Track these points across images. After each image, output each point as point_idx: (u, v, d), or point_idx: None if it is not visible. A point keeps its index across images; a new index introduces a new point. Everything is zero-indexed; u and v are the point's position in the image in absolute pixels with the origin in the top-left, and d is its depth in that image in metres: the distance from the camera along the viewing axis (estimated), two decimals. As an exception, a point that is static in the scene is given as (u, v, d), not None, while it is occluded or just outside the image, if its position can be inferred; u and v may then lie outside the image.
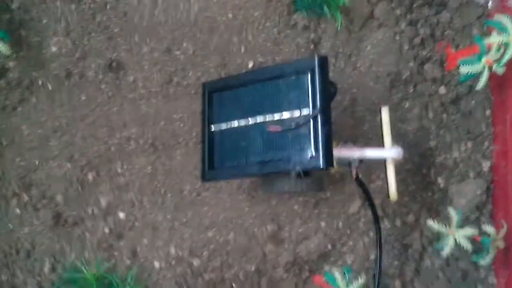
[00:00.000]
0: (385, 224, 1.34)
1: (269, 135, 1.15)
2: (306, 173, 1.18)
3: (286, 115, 1.14)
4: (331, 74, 1.29)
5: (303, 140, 1.12)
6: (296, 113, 1.13)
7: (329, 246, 1.33)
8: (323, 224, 1.35)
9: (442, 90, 1.42)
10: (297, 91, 1.14)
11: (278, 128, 1.13)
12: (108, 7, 1.42)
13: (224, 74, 1.40)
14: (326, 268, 1.33)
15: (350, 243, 1.34)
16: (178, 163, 1.37)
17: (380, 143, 1.26)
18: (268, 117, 1.16)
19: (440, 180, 1.38)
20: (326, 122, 1.10)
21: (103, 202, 1.36)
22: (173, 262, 1.34)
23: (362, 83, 1.41)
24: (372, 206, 1.25)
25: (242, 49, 1.41)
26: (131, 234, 1.35)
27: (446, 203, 1.35)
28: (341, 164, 1.21)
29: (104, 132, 1.38)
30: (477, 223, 1.33)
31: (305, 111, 1.12)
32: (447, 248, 1.21)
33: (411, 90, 1.42)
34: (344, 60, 1.42)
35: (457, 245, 1.19)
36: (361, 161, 1.22)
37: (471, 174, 1.38)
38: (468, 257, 1.29)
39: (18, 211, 1.35)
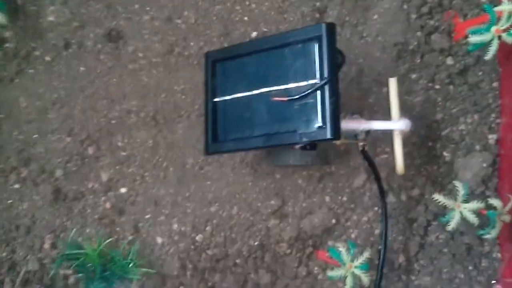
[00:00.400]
0: (390, 198, 1.33)
1: (274, 106, 1.11)
2: (311, 145, 1.16)
3: (292, 85, 1.10)
4: (337, 44, 1.26)
5: (309, 111, 1.08)
6: (303, 83, 1.09)
7: (333, 221, 1.32)
8: (327, 198, 1.33)
9: (450, 61, 1.38)
10: (304, 60, 1.10)
11: (283, 98, 1.09)
12: None
13: (227, 44, 1.37)
14: (330, 243, 1.32)
15: (355, 217, 1.33)
16: (180, 136, 1.35)
17: (386, 116, 1.23)
18: (274, 87, 1.12)
19: (446, 154, 1.36)
20: (334, 93, 1.06)
21: (104, 176, 1.34)
22: (176, 238, 1.33)
23: (369, 53, 1.38)
24: (378, 180, 1.23)
25: (245, 18, 1.37)
26: (132, 209, 1.34)
27: (452, 177, 1.33)
28: (347, 136, 1.18)
29: (104, 105, 1.35)
30: (482, 196, 1.32)
31: (312, 81, 1.08)
32: (453, 222, 1.19)
33: (418, 61, 1.38)
34: (350, 29, 1.38)
35: (462, 219, 1.17)
36: (368, 133, 1.20)
37: (477, 147, 1.36)
38: (473, 231, 1.29)
39: (17, 186, 1.33)
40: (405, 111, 1.34)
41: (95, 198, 1.34)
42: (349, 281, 1.15)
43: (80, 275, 1.29)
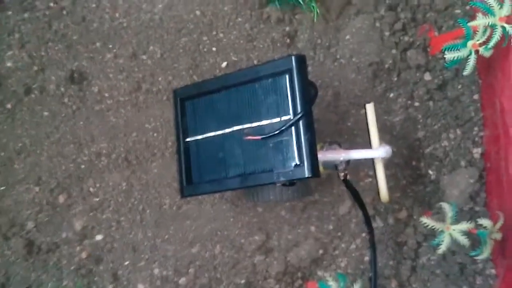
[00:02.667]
0: (377, 223, 1.32)
1: (248, 144, 1.08)
2: (291, 182, 1.11)
3: (265, 122, 1.06)
4: (310, 69, 1.25)
5: (285, 148, 1.05)
6: (276, 120, 1.06)
7: (321, 251, 1.31)
8: (312, 228, 1.31)
9: (427, 76, 1.38)
10: (275, 95, 1.07)
11: (256, 137, 1.04)
12: (64, 12, 1.35)
13: (196, 76, 1.35)
14: (319, 274, 1.32)
15: (343, 245, 1.31)
16: (155, 176, 1.32)
17: (366, 139, 1.21)
18: (246, 125, 1.07)
19: (431, 172, 1.35)
20: (309, 128, 1.03)
21: (78, 225, 1.31)
22: (158, 283, 1.31)
23: (344, 75, 1.37)
24: (362, 207, 1.20)
25: (214, 48, 1.35)
26: (110, 257, 1.32)
27: (439, 196, 1.33)
28: (327, 167, 1.15)
29: (71, 150, 1.32)
30: (471, 213, 1.30)
31: (285, 117, 1.03)
32: (443, 245, 1.16)
33: (395, 79, 1.38)
34: (323, 52, 1.37)
35: (453, 240, 1.14)
36: (348, 162, 1.16)
37: (462, 163, 1.35)
38: (465, 250, 1.26)
39: (-13, 241, 1.27)
40: (385, 131, 1.33)
41: (70, 248, 1.32)
42: (341, 315, 1.11)
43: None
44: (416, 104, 1.38)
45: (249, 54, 1.38)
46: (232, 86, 1.15)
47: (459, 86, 1.39)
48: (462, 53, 1.22)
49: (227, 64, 1.37)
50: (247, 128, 1.12)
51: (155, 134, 1.34)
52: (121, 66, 1.36)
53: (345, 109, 1.37)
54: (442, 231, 1.22)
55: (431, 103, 1.39)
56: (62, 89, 1.35)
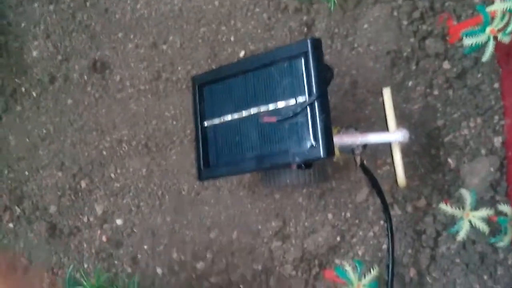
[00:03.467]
0: (396, 211, 1.27)
1: (264, 127, 1.08)
2: (307, 164, 1.11)
3: (281, 104, 1.06)
4: (327, 57, 1.23)
5: (300, 129, 1.04)
6: (292, 102, 1.05)
7: (338, 238, 1.27)
8: (330, 215, 1.28)
9: (446, 65, 1.34)
10: (291, 78, 1.06)
11: (272, 118, 1.05)
12: (88, 4, 1.36)
13: (214, 65, 1.34)
14: (337, 261, 1.27)
15: (360, 233, 1.27)
16: (174, 162, 1.32)
17: (384, 127, 1.18)
18: (262, 108, 1.09)
19: (450, 160, 1.30)
20: (324, 109, 1.02)
21: (99, 209, 1.30)
22: (176, 267, 1.29)
23: (361, 64, 1.34)
24: (380, 193, 1.17)
25: (232, 38, 1.34)
26: (130, 241, 1.30)
27: (458, 184, 1.28)
28: (344, 151, 1.14)
29: (94, 136, 1.32)
30: (492, 202, 1.26)
31: (301, 99, 1.04)
32: (462, 232, 1.13)
33: (414, 68, 1.34)
34: (341, 41, 1.35)
35: (472, 227, 1.12)
36: (365, 146, 1.15)
37: (483, 151, 1.30)
38: (485, 239, 1.22)
39: (11, 225, 1.30)
40: (404, 119, 1.30)
41: (91, 232, 1.32)
42: (358, 301, 1.10)
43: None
44: (435, 92, 1.34)
45: (267, 43, 1.35)
46: (249, 71, 1.13)
47: (479, 75, 1.36)
48: (481, 39, 1.19)
49: (245, 53, 1.35)
50: (263, 111, 1.10)
51: (174, 122, 1.33)
52: (142, 56, 1.36)
53: (363, 97, 1.33)
54: (461, 218, 1.16)
55: (450, 91, 1.35)
56: (85, 77, 1.35)
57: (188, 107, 1.31)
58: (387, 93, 1.20)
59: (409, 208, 1.29)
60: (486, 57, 1.17)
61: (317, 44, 1.07)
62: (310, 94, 1.04)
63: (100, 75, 1.34)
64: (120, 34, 1.35)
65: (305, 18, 1.35)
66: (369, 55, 1.38)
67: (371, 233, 1.28)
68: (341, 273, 1.13)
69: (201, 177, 1.17)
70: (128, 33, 1.35)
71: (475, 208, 1.15)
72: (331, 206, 1.30)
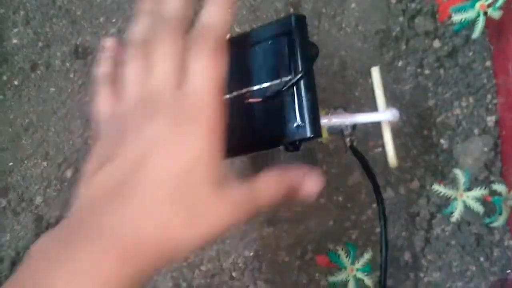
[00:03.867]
0: (389, 193, 1.24)
1: (249, 108, 1.03)
2: (295, 146, 1.08)
3: (266, 84, 1.01)
4: (315, 38, 1.19)
5: (286, 109, 0.98)
6: (277, 81, 1.00)
7: (331, 223, 1.24)
8: (322, 200, 1.25)
9: (437, 43, 1.30)
10: (275, 56, 1.01)
11: (257, 99, 1.01)
12: None
13: None
14: (330, 246, 1.24)
15: (353, 217, 1.24)
16: (161, 149, 1.28)
17: (375, 108, 1.15)
18: (247, 89, 1.04)
19: (443, 141, 1.27)
20: (310, 88, 0.97)
21: None
22: None
23: (350, 44, 1.30)
24: (371, 175, 1.13)
25: (218, 21, 1.30)
26: None
27: (452, 165, 1.25)
28: (333, 132, 1.10)
29: (78, 125, 1.28)
30: (486, 182, 1.23)
31: (286, 78, 0.99)
32: (456, 213, 1.11)
33: (403, 47, 1.30)
34: (328, 21, 1.31)
35: (467, 208, 1.09)
36: (354, 127, 1.11)
37: (476, 131, 1.27)
38: (480, 220, 1.20)
39: (-4, 217, 1.27)
40: (395, 100, 1.27)
41: None
42: (351, 285, 1.06)
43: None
44: (426, 72, 1.28)
45: (252, 25, 1.30)
46: (232, 51, 1.13)
47: (470, 53, 1.32)
48: (470, 14, 1.16)
49: (230, 35, 1.34)
50: (248, 91, 1.03)
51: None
52: (125, 40, 1.35)
53: (352, 78, 1.28)
54: (455, 199, 1.10)
55: (441, 70, 1.29)
56: (67, 64, 1.30)
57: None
58: (376, 72, 1.17)
59: (402, 190, 1.25)
60: (476, 34, 1.13)
61: (300, 21, 1.02)
62: (295, 72, 1.00)
63: (82, 61, 1.29)
64: (101, 19, 1.30)
65: (291, -2, 1.32)
66: (358, 35, 1.33)
67: (364, 217, 1.24)
68: (333, 258, 1.09)
69: None
70: (110, 17, 1.30)
71: (469, 188, 1.12)
72: (323, 190, 1.27)
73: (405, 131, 1.26)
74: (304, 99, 1.00)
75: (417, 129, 1.27)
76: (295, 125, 1.01)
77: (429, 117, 1.28)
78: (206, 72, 0.67)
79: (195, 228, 0.60)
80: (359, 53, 1.30)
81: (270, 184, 0.75)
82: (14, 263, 1.26)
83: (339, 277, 1.06)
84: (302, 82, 1.00)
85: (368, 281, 1.05)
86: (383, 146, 1.17)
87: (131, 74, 0.66)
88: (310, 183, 0.82)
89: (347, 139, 1.13)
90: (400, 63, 1.30)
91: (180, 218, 0.58)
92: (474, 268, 1.21)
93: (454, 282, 1.21)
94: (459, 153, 1.27)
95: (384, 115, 1.13)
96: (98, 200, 0.58)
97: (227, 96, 1.06)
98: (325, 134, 1.02)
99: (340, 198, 1.25)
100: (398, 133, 1.22)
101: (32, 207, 1.27)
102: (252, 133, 1.05)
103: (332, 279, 1.07)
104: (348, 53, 1.30)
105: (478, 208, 1.10)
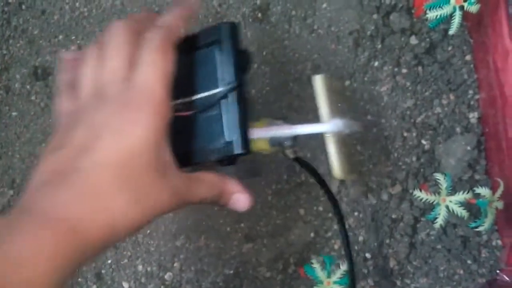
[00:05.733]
0: (370, 200, 1.23)
1: (180, 123, 0.96)
2: (229, 161, 1.01)
3: (198, 96, 0.95)
4: (287, 43, 1.14)
5: (215, 124, 0.93)
6: (206, 93, 0.94)
7: (312, 234, 1.21)
8: (302, 211, 1.23)
9: (414, 40, 1.27)
10: (206, 67, 0.96)
11: (185, 112, 0.94)
12: (23, 7, 1.26)
13: None
14: (313, 257, 1.20)
15: (335, 227, 1.21)
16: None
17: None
18: (179, 101, 0.97)
19: (424, 142, 1.24)
20: (240, 101, 0.92)
21: None
22: (143, 280, 1.24)
23: (323, 47, 1.27)
24: (321, 183, 1.08)
25: (181, 30, 1.24)
26: None
27: (435, 166, 1.21)
28: (274, 144, 1.03)
29: (43, 149, 1.23)
30: (471, 182, 1.20)
31: (216, 90, 0.93)
32: (439, 219, 1.08)
33: (379, 46, 1.27)
34: (299, 24, 1.27)
35: (450, 212, 1.05)
36: (295, 139, 1.05)
37: (458, 129, 1.24)
38: (466, 222, 1.16)
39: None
40: (372, 103, 1.24)
41: None
42: (327, 300, 1.04)
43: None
44: (404, 71, 1.26)
45: None
46: None
47: (449, 48, 1.27)
48: (446, 10, 1.11)
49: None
50: (178, 104, 0.95)
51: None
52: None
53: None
54: (437, 204, 1.14)
55: (419, 68, 1.27)
56: (28, 86, 1.27)
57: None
58: (318, 81, 1.10)
59: (384, 196, 1.22)
60: (453, 29, 1.09)
61: (231, 29, 0.97)
62: (225, 84, 0.94)
63: (43, 82, 1.26)
64: (60, 37, 1.26)
65: (258, 2, 1.26)
66: (331, 37, 1.30)
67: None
68: (309, 271, 1.06)
69: None
70: (69, 34, 1.26)
71: (453, 191, 1.09)
72: (302, 201, 1.23)
73: (385, 134, 1.23)
74: (233, 114, 0.95)
75: (396, 131, 1.24)
76: (223, 140, 0.95)
77: (408, 118, 1.24)
78: (153, 65, 0.71)
79: (137, 208, 0.63)
80: (333, 56, 1.26)
81: (205, 183, 0.83)
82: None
83: (316, 291, 1.05)
84: (231, 95, 0.94)
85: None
86: (355, 152, 1.13)
87: (86, 73, 0.71)
88: (238, 202, 0.88)
89: (289, 151, 1.06)
90: (376, 63, 1.27)
91: (122, 198, 0.62)
92: (461, 272, 1.20)
93: (442, 287, 1.20)
94: (441, 153, 1.24)
95: (326, 126, 1.06)
96: (44, 185, 0.61)
97: None
98: (266, 146, 0.97)
99: (321, 208, 1.22)
100: (377, 136, 1.19)
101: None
102: (183, 147, 0.98)
103: (310, 293, 1.04)
104: (322, 56, 1.27)
105: (462, 213, 1.09)
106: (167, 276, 1.22)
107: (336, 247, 1.22)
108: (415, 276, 1.21)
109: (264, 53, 1.32)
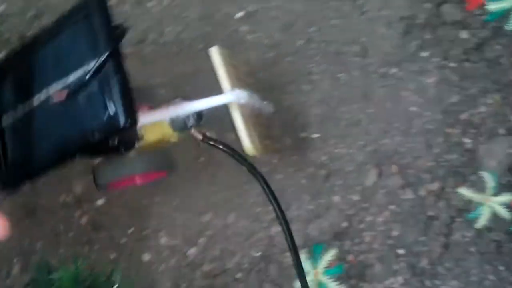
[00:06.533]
0: (407, 195, 1.19)
1: (58, 109, 0.92)
2: (125, 147, 0.96)
3: (71, 78, 0.90)
4: (337, 21, 1.09)
5: (96, 100, 0.90)
6: (81, 72, 0.90)
7: (345, 224, 1.16)
8: (336, 199, 1.19)
9: (464, 34, 1.25)
10: (78, 45, 0.94)
11: (62, 96, 0.89)
12: None
13: (209, 28, 1.18)
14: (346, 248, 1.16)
15: (369, 218, 1.16)
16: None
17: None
18: (53, 88, 0.93)
19: (466, 140, 1.21)
20: (118, 71, 0.89)
21: (78, 188, 1.18)
22: (165, 253, 1.21)
23: (372, 30, 1.22)
24: (240, 159, 1.05)
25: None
26: (112, 224, 1.20)
27: (475, 166, 1.18)
28: (178, 128, 0.99)
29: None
30: (509, 187, 1.16)
31: (91, 65, 0.90)
32: (482, 219, 1.05)
33: (429, 37, 1.24)
34: (350, 4, 1.22)
35: (492, 214, 1.02)
36: (200, 117, 0.99)
37: (500, 131, 1.20)
38: (501, 226, 1.17)
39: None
40: (419, 94, 1.20)
41: (68, 212, 1.21)
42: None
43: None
44: (452, 64, 1.23)
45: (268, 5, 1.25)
46: (38, 48, 0.98)
47: (498, 47, 1.25)
48: (507, 4, 1.10)
49: (245, 15, 1.23)
50: (54, 92, 0.93)
51: (163, 91, 1.23)
52: (127, 15, 1.25)
53: (373, 69, 1.23)
54: (481, 204, 1.11)
55: (467, 64, 1.25)
56: None
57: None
58: (215, 53, 1.03)
59: (422, 192, 1.19)
60: (510, 25, 1.07)
61: (98, 3, 0.94)
62: (98, 57, 0.89)
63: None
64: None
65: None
66: (381, 21, 1.28)
67: (380, 219, 1.20)
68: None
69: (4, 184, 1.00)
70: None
71: (495, 192, 1.06)
72: (337, 188, 1.20)
73: (427, 127, 1.19)
74: (112, 84, 0.90)
75: (439, 125, 1.23)
76: (106, 115, 0.89)
77: (453, 114, 1.22)
78: None
79: None
80: (382, 40, 1.21)
81: None
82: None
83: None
84: (107, 66, 0.89)
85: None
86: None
87: None
88: None
89: (196, 132, 1.02)
90: (425, 54, 1.24)
91: None
92: (492, 277, 1.17)
93: (471, 291, 1.13)
94: (483, 154, 1.22)
95: (226, 97, 1.01)
96: None
97: (35, 102, 0.92)
98: (169, 130, 0.92)
99: (357, 197, 1.20)
100: (421, 130, 1.16)
101: (19, 194, 1.20)
102: (65, 134, 0.92)
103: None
104: (370, 40, 1.23)
105: (506, 215, 1.05)
106: (191, 251, 1.19)
107: (367, 239, 1.17)
108: (446, 278, 1.18)
109: (311, 29, 1.28)
